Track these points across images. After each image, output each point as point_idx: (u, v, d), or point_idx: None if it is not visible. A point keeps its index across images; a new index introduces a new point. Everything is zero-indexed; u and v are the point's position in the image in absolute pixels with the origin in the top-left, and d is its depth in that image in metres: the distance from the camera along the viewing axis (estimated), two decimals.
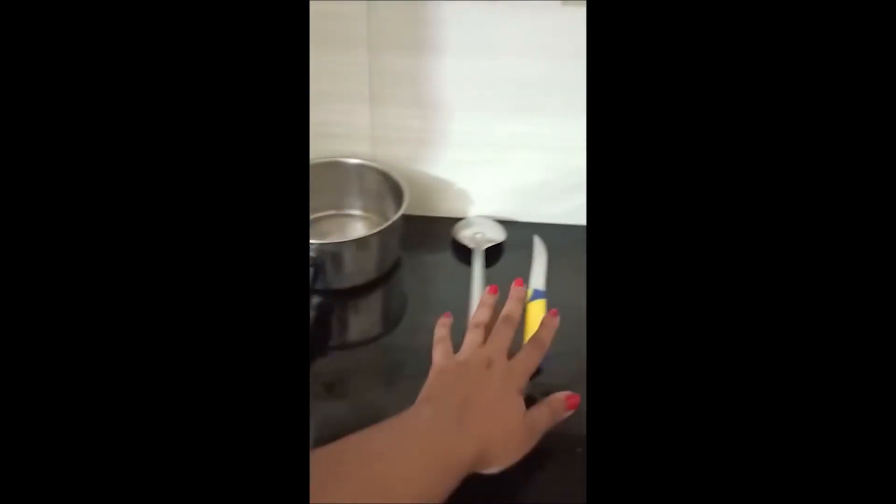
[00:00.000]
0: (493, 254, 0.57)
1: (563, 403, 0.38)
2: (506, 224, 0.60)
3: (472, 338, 0.40)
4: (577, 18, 0.47)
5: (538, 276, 0.53)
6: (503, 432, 0.34)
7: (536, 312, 0.48)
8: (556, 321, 0.41)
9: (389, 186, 0.55)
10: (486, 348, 0.39)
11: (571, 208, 0.61)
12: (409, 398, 0.39)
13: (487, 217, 0.61)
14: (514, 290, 0.43)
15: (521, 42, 0.49)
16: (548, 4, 0.47)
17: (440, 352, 0.40)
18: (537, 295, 0.50)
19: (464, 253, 0.56)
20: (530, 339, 0.41)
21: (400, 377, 0.45)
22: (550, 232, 0.60)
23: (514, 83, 0.52)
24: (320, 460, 0.29)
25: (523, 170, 0.58)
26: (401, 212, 0.50)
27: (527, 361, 0.39)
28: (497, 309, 0.43)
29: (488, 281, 0.52)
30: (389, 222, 0.49)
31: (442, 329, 0.42)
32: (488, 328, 0.41)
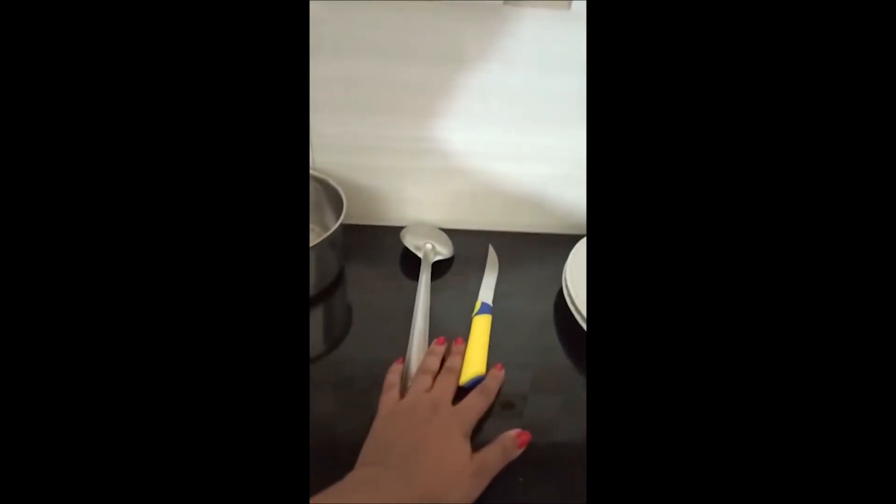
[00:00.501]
0: (442, 263, 0.55)
1: (514, 441, 0.38)
2: (452, 232, 0.58)
3: (419, 382, 0.41)
4: (524, 22, 0.46)
5: (487, 290, 0.51)
6: (449, 479, 0.33)
7: (482, 327, 0.46)
8: (502, 374, 0.43)
9: (328, 195, 0.52)
10: (431, 394, 0.40)
11: (521, 216, 0.60)
12: (362, 412, 0.39)
13: (433, 225, 0.59)
14: (456, 347, 0.45)
15: (466, 47, 0.47)
16: (495, 5, 0.45)
17: (387, 398, 0.40)
18: (484, 309, 0.48)
19: (411, 263, 0.54)
20: (478, 388, 0.41)
21: (351, 392, 0.42)
22: (499, 240, 0.59)
23: (460, 88, 0.50)
24: None
25: (471, 177, 0.56)
26: (339, 222, 0.47)
27: (473, 407, 0.39)
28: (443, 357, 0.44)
29: (435, 294, 0.50)
30: (327, 234, 0.46)
31: (393, 375, 0.42)
32: (435, 376, 0.42)
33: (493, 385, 0.42)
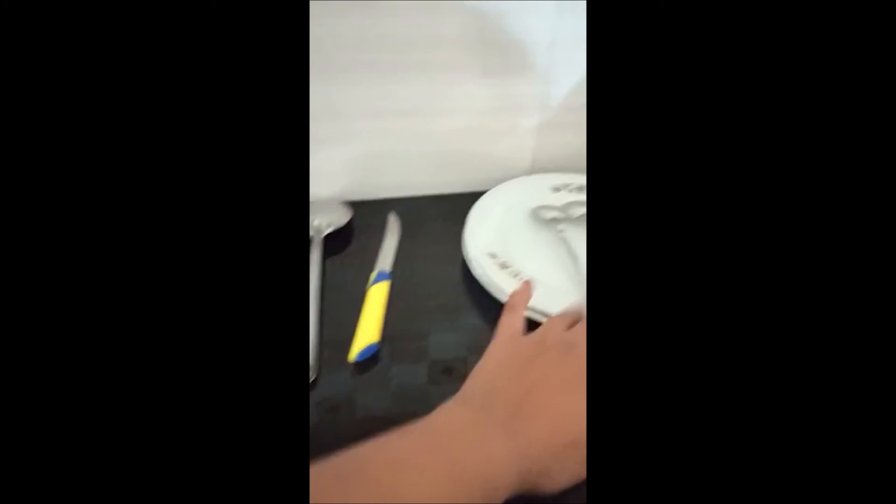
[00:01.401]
0: (343, 239, 0.52)
1: None
2: (355, 204, 0.55)
3: (557, 320, 0.33)
4: None
5: (385, 258, 0.49)
6: (565, 440, 0.26)
7: (377, 296, 0.44)
8: None
9: None
10: (570, 332, 0.32)
11: (424, 177, 0.57)
12: None
13: (333, 200, 0.56)
14: None
15: None
16: None
17: (508, 321, 0.33)
18: (381, 277, 0.46)
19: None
20: None
21: None
22: (403, 206, 0.56)
23: (347, 38, 0.46)
24: (328, 469, 0.23)
25: (367, 141, 0.54)
26: None
27: None
28: None
29: (335, 271, 0.47)
30: None
31: (519, 296, 0.36)
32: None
33: None
